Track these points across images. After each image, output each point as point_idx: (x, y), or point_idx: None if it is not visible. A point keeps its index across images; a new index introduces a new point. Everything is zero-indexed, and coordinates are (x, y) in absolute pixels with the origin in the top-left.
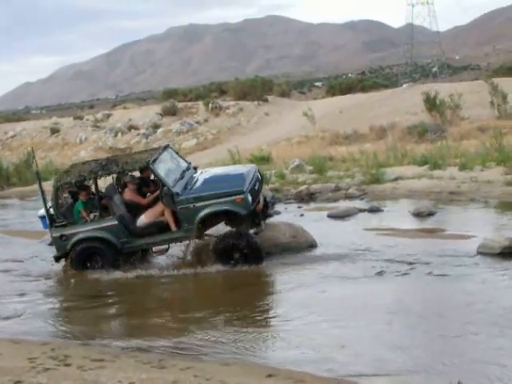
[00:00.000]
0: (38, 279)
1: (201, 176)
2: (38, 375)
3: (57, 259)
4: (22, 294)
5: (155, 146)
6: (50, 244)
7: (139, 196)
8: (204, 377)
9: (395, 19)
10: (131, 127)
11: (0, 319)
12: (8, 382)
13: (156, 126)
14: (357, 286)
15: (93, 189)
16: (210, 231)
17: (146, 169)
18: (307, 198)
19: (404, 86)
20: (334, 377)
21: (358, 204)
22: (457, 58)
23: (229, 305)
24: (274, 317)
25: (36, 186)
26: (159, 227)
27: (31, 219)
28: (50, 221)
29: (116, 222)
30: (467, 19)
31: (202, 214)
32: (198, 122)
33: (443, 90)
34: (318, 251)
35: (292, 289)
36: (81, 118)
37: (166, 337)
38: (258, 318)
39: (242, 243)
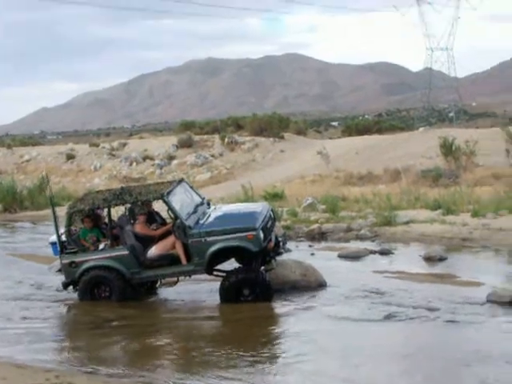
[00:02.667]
0: (44, 305)
1: (214, 211)
2: None
3: (65, 286)
4: (28, 319)
5: (169, 177)
6: (59, 270)
7: (149, 228)
8: None
9: (414, 63)
10: (146, 157)
11: (5, 344)
12: None
13: (171, 158)
14: (364, 328)
15: (104, 218)
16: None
17: (148, 203)
18: (319, 236)
19: (420, 129)
20: None
21: (369, 245)
22: (474, 104)
23: (235, 342)
24: (280, 357)
25: (48, 211)
26: (170, 260)
27: (41, 243)
28: (61, 247)
29: (127, 252)
30: (486, 66)
31: (214, 248)
32: (212, 156)
33: (459, 135)
34: (327, 291)
35: (298, 328)
36: (97, 145)
37: (171, 371)
38: (265, 357)
39: (251, 279)
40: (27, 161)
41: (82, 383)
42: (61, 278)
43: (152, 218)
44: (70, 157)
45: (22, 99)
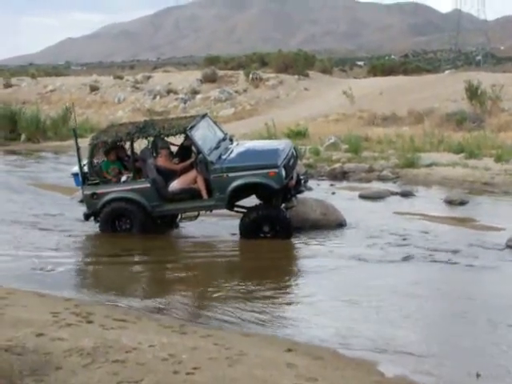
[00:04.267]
0: (66, 235)
1: (236, 147)
2: (60, 330)
3: (86, 217)
4: (50, 249)
5: (193, 111)
6: (81, 201)
7: (172, 162)
8: (224, 346)
9: (443, 4)
10: (170, 91)
11: (27, 271)
12: (30, 334)
13: (195, 92)
14: (382, 268)
15: (127, 151)
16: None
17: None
18: (340, 176)
19: (446, 72)
20: (352, 357)
21: (390, 187)
22: (502, 48)
23: (253, 277)
24: (296, 293)
25: (71, 142)
26: (191, 194)
27: (64, 174)
28: (83, 178)
29: (148, 185)
30: None
31: (235, 184)
32: (237, 92)
33: (485, 79)
34: (346, 231)
35: (317, 266)
36: (121, 77)
37: (190, 303)
38: (281, 292)
39: (272, 216)
40: (51, 91)
41: (101, 313)
42: (82, 209)
43: (187, 152)
44: (94, 88)
45: (47, 29)
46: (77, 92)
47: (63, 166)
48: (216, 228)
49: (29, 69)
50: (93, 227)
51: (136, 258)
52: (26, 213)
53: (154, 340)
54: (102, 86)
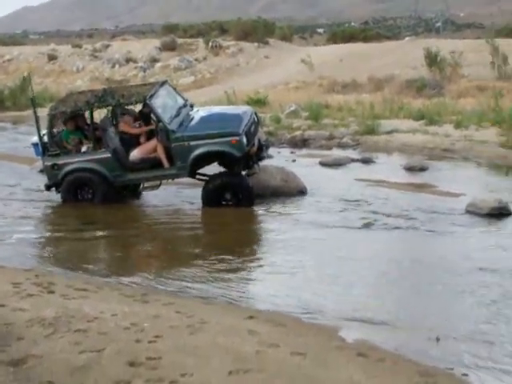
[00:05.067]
0: (26, 206)
1: (197, 114)
2: (21, 300)
3: (47, 188)
4: (8, 219)
5: (152, 80)
6: (41, 171)
7: (132, 127)
8: (185, 314)
9: None
10: (129, 60)
11: None
12: None
13: (154, 60)
14: (344, 236)
15: (87, 119)
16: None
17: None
18: (301, 143)
19: (406, 39)
20: (314, 323)
21: (350, 154)
22: (461, 15)
23: (216, 247)
24: (258, 260)
25: (30, 112)
26: (152, 163)
27: (23, 144)
28: (43, 149)
29: (109, 155)
30: None
31: (196, 153)
32: (196, 60)
33: (445, 46)
34: (307, 198)
35: (278, 235)
36: (79, 46)
37: (151, 272)
38: (242, 260)
39: (236, 184)
40: (8, 60)
41: (62, 283)
42: (41, 179)
43: (147, 118)
44: (52, 57)
45: None
46: (35, 61)
47: (22, 136)
48: (177, 197)
49: None
50: (48, 197)
51: (97, 229)
52: None
53: (115, 309)
54: (60, 55)
